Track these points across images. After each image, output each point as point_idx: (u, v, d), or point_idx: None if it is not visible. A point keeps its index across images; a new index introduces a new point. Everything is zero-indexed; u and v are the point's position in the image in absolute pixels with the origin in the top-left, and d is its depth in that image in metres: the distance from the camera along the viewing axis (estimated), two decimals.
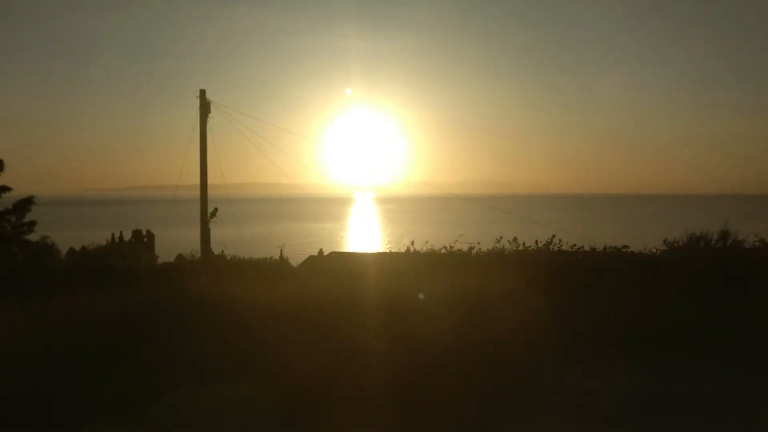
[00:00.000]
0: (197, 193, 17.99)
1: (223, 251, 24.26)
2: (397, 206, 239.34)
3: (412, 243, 15.52)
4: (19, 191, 26.48)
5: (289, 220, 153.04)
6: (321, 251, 47.17)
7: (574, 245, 14.01)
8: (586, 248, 14.03)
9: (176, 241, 44.44)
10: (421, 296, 10.62)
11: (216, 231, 18.79)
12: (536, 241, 14.16)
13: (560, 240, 14.00)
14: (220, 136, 18.92)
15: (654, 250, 13.94)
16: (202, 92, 17.87)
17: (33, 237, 26.58)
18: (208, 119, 17.79)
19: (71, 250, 35.27)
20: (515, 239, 14.33)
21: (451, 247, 14.48)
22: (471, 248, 14.53)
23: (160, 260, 33.11)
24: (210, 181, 18.12)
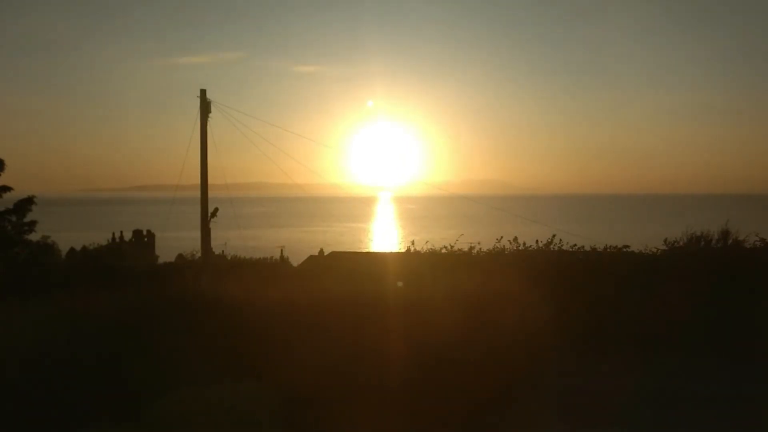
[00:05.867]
0: (198, 193, 17.99)
1: (223, 251, 24.24)
2: (415, 206, 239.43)
3: (413, 243, 15.51)
4: (20, 191, 26.50)
5: (307, 220, 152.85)
6: (321, 251, 47.05)
7: (575, 245, 14.00)
8: (587, 248, 14.02)
9: (177, 241, 44.43)
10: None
11: (222, 233, 18.83)
12: (537, 241, 14.16)
13: (560, 240, 14.00)
14: (223, 136, 18.92)
15: (654, 250, 13.93)
16: (203, 92, 17.88)
17: (34, 237, 26.54)
18: (209, 119, 17.80)
19: (72, 250, 35.22)
20: (515, 239, 14.33)
21: (452, 247, 14.47)
22: (471, 248, 14.53)
23: (160, 260, 33.03)
24: (211, 181, 18.13)
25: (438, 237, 16.46)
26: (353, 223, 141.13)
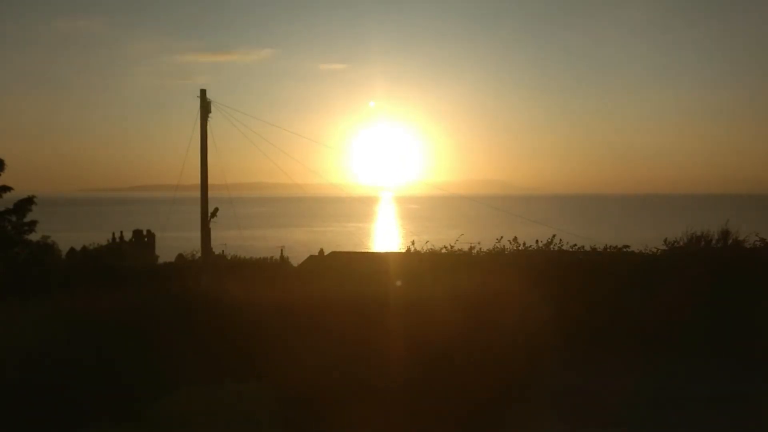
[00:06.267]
0: (198, 193, 17.99)
1: (223, 251, 24.26)
2: (418, 206, 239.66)
3: (413, 243, 15.50)
4: (20, 191, 26.52)
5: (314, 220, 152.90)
6: (321, 251, 46.99)
7: (575, 245, 14.00)
8: (586, 248, 14.02)
9: (177, 241, 44.43)
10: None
11: (222, 233, 18.82)
12: (537, 241, 14.16)
13: (560, 240, 14.00)
14: (224, 137, 18.91)
15: (654, 250, 13.92)
16: (203, 92, 17.88)
17: (34, 237, 26.55)
18: (209, 119, 17.80)
19: (72, 250, 35.24)
20: (515, 239, 14.32)
21: (452, 247, 14.47)
22: (471, 248, 14.52)
23: (160, 260, 33.05)
24: (211, 181, 18.11)
25: (441, 237, 16.41)
26: (355, 222, 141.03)
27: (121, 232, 59.55)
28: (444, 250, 14.49)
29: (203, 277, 16.11)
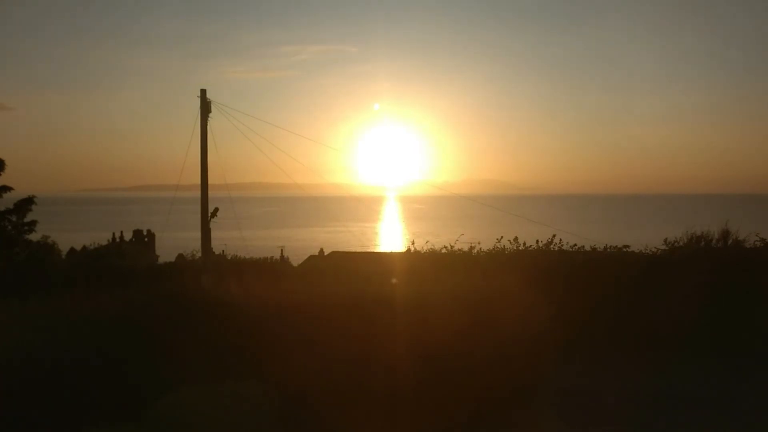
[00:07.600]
0: (198, 193, 17.98)
1: (223, 251, 24.24)
2: (423, 206, 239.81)
3: (413, 243, 15.51)
4: (20, 191, 26.55)
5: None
6: (321, 251, 47.05)
7: (575, 245, 14.01)
8: (587, 248, 14.02)
9: (177, 241, 44.40)
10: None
11: (222, 233, 18.81)
12: (537, 241, 14.16)
13: (560, 240, 14.01)
14: (225, 136, 18.92)
15: (654, 250, 13.93)
16: (203, 92, 17.87)
17: (34, 237, 26.60)
18: (210, 119, 17.80)
19: (72, 250, 35.20)
20: (516, 239, 14.33)
21: (452, 246, 14.48)
22: (472, 248, 14.53)
23: (160, 260, 33.02)
24: (211, 181, 18.12)
25: (449, 237, 16.39)
26: (360, 222, 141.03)
27: (121, 232, 59.63)
28: (444, 250, 14.50)
29: (203, 277, 16.10)
